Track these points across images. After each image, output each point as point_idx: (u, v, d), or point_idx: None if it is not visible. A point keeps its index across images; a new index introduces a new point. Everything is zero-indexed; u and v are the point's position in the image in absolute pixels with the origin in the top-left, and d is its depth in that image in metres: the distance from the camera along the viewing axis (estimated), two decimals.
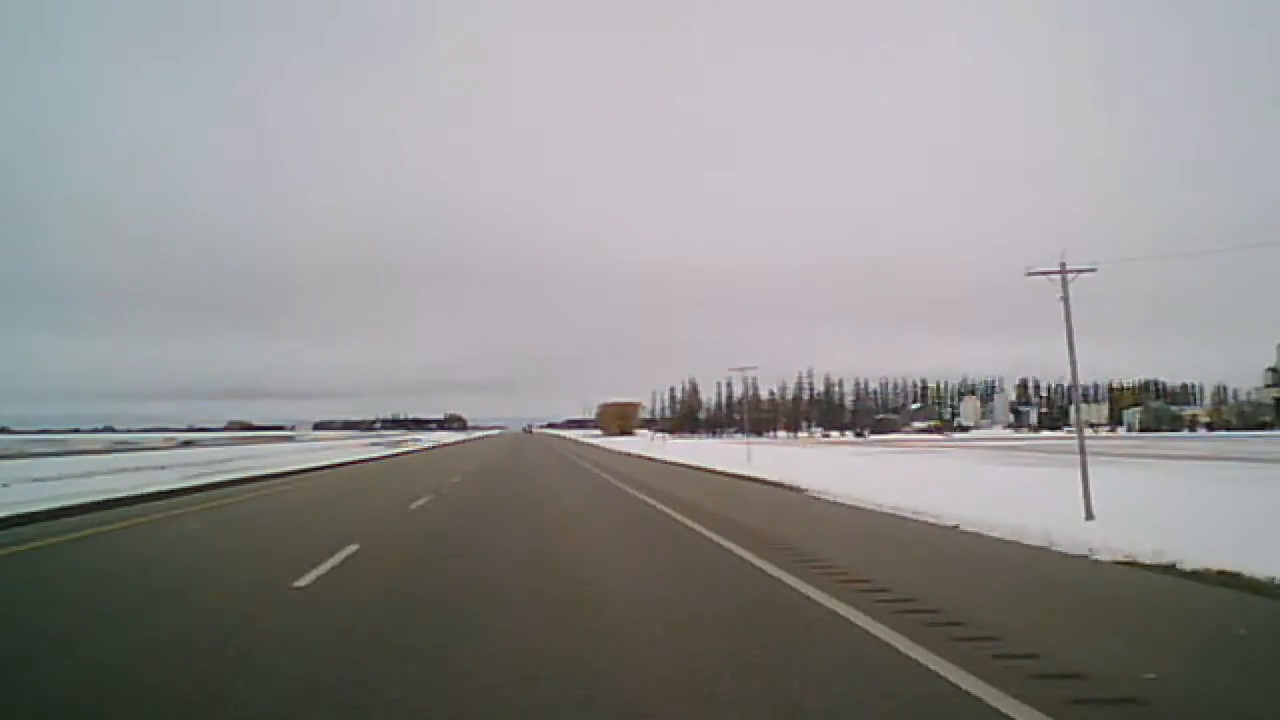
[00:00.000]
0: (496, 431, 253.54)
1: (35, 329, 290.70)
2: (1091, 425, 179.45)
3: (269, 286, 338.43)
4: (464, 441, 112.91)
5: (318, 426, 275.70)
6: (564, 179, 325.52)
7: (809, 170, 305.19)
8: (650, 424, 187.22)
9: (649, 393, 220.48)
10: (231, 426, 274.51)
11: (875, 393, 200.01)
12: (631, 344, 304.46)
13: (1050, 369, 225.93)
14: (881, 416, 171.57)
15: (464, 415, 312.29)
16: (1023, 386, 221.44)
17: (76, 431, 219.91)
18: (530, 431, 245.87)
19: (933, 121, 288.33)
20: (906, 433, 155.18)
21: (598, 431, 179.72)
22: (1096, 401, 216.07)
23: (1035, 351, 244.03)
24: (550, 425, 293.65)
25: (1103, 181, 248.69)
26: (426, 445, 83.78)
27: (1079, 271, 13.98)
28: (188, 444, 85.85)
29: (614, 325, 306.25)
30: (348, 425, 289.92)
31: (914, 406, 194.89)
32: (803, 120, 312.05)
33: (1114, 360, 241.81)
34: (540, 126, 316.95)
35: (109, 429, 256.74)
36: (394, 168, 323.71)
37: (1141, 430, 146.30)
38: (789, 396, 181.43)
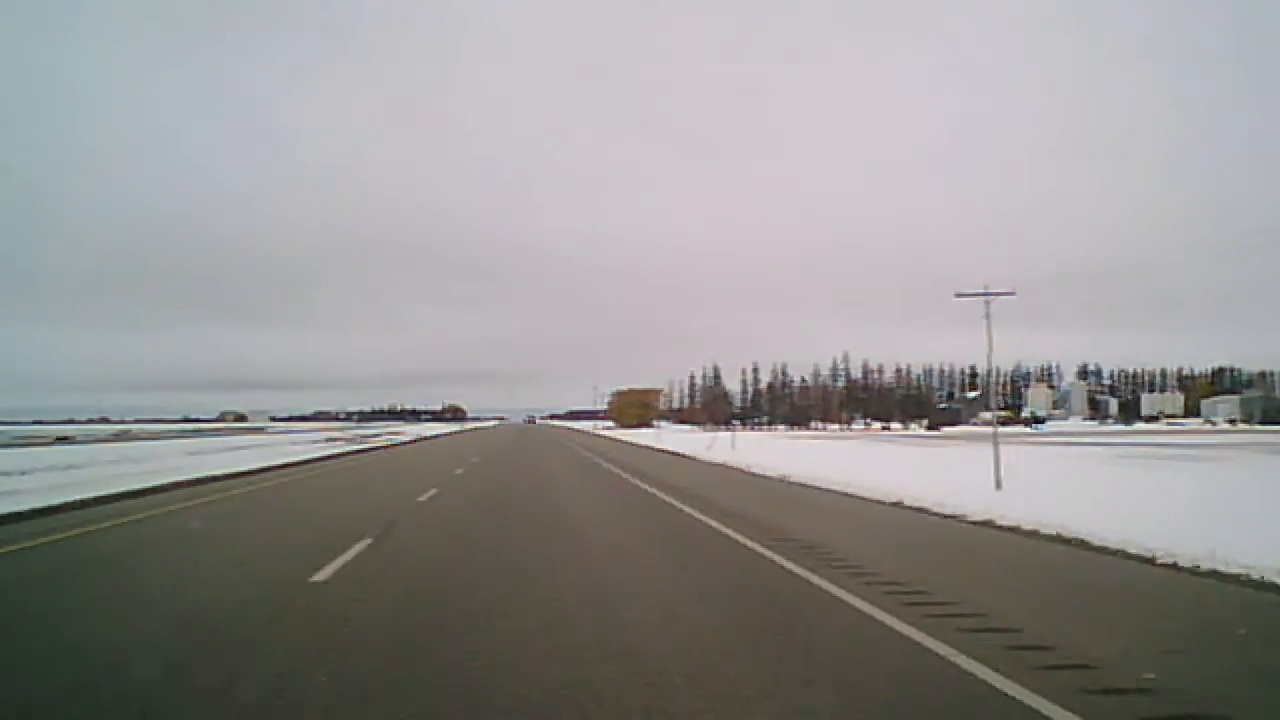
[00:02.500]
0: (494, 423, 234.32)
1: (37, 321, 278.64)
2: (1168, 417, 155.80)
3: (270, 279, 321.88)
4: (451, 434, 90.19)
5: (278, 418, 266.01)
6: (569, 169, 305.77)
7: (817, 162, 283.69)
8: (670, 415, 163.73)
9: (663, 382, 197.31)
10: (224, 417, 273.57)
11: (919, 379, 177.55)
12: (641, 334, 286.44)
13: (1110, 356, 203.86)
14: (944, 406, 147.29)
15: (464, 406, 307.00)
16: (1083, 373, 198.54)
17: (70, 422, 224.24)
18: (532, 422, 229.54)
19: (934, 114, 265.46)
20: (976, 425, 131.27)
21: (609, 423, 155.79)
22: (1167, 391, 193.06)
23: (1073, 340, 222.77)
24: (553, 416, 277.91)
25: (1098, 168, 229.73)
26: (400, 441, 61.25)
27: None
28: (63, 439, 63.69)
29: (621, 315, 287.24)
30: (335, 416, 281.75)
31: (970, 395, 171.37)
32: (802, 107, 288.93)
33: (1180, 349, 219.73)
34: (545, 118, 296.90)
35: (104, 420, 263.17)
36: (395, 160, 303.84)
37: (1263, 423, 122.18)
38: (821, 384, 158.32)
